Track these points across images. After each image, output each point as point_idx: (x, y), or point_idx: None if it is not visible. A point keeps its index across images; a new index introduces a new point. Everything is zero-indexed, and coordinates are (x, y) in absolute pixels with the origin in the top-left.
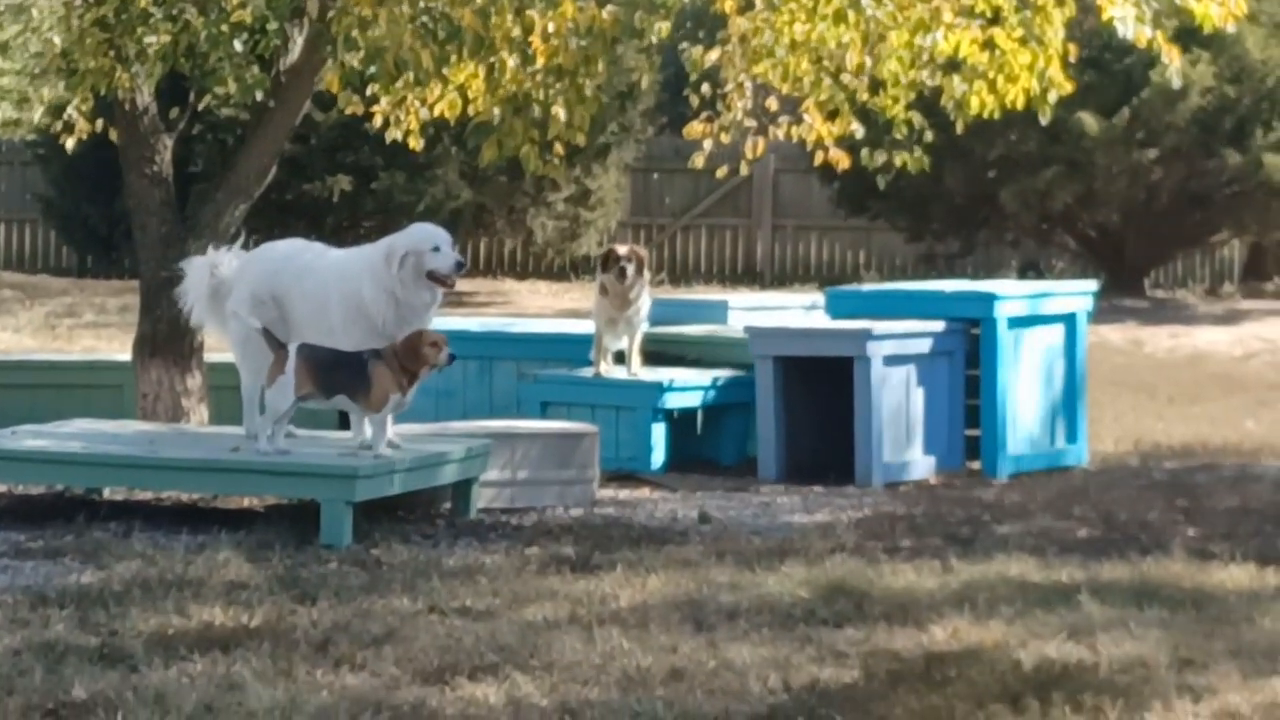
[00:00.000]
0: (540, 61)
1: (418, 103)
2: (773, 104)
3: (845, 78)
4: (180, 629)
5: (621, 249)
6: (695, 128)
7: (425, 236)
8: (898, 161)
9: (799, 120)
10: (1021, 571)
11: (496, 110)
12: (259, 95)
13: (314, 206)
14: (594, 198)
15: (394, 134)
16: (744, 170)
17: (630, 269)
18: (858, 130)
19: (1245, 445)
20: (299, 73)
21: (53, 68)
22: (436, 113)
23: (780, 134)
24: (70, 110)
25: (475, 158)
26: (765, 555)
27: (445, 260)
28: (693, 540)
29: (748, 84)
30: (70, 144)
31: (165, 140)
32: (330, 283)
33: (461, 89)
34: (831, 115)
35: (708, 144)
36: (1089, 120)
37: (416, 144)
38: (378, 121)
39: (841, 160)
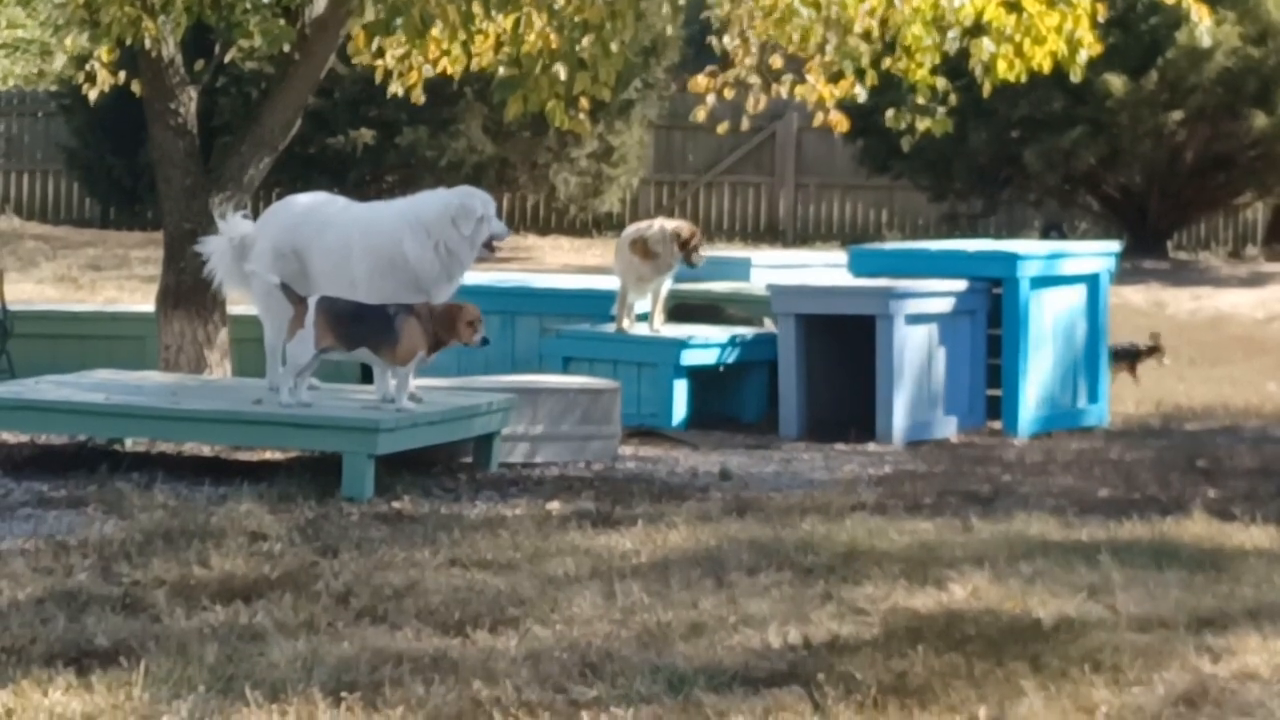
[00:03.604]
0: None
1: (420, 58)
2: (777, 61)
3: (854, 41)
4: (202, 579)
5: (685, 231)
6: (699, 81)
7: (490, 201)
8: (920, 126)
9: (802, 80)
10: (1042, 531)
11: (502, 67)
12: (284, 47)
13: (337, 160)
14: (617, 154)
15: (395, 88)
16: (744, 126)
17: (699, 253)
18: (860, 94)
19: (1267, 407)
20: (324, 26)
21: (75, 19)
22: (439, 69)
23: (783, 92)
24: (93, 61)
25: (499, 112)
26: (786, 512)
27: (501, 227)
28: (713, 496)
29: (754, 40)
30: (93, 95)
31: (190, 92)
32: (354, 237)
33: (465, 45)
34: (835, 78)
35: (710, 98)
36: (1114, 81)
37: (419, 99)
38: (380, 76)
39: (841, 123)
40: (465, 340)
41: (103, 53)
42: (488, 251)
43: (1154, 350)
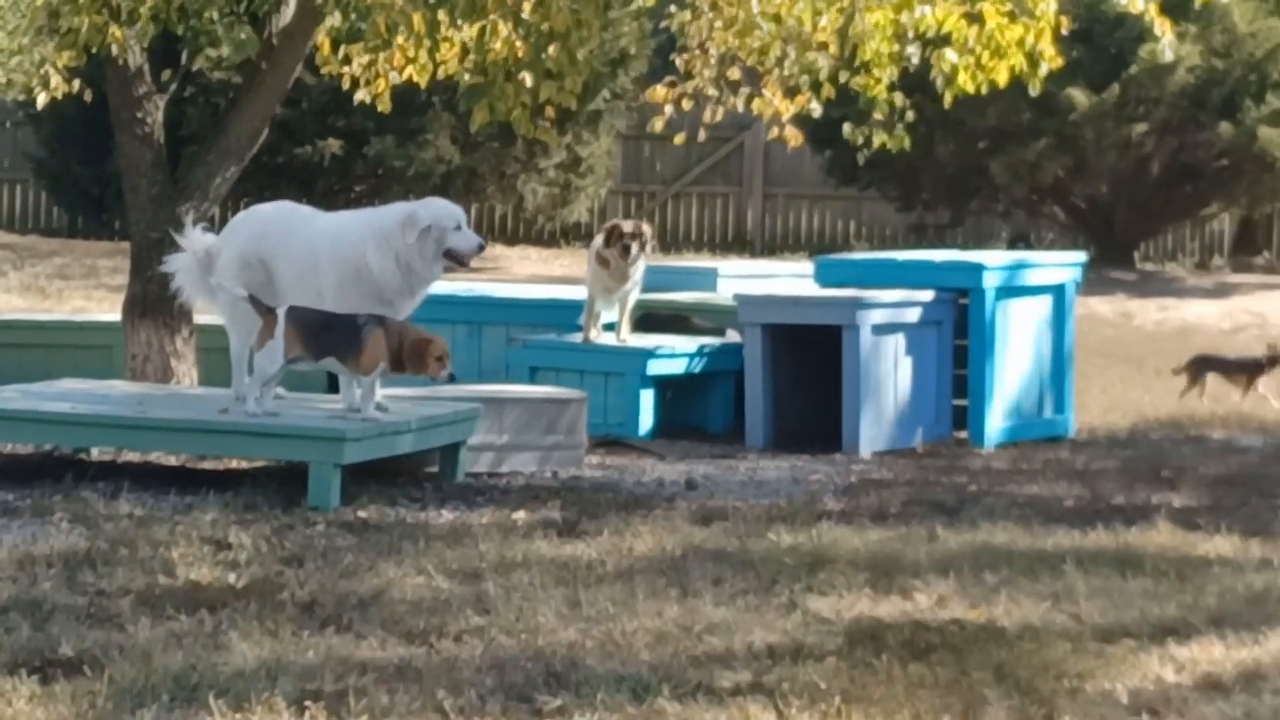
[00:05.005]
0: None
1: (387, 65)
2: (734, 73)
3: (812, 55)
4: (167, 588)
5: (627, 225)
6: (657, 92)
7: (449, 212)
8: (876, 142)
9: (759, 93)
10: (1007, 540)
11: (468, 75)
12: (251, 56)
13: (305, 170)
14: (585, 164)
15: (362, 96)
16: (701, 137)
17: (635, 247)
18: (816, 109)
19: (1232, 418)
20: (291, 35)
21: (43, 26)
22: (406, 76)
23: (740, 105)
24: (46, 67)
25: (466, 122)
26: (751, 522)
27: (468, 240)
28: (679, 506)
29: (713, 52)
30: (42, 100)
31: (157, 101)
32: (321, 246)
33: (431, 52)
34: (791, 92)
35: (669, 109)
36: (1077, 95)
37: (385, 107)
38: (346, 84)
39: (795, 138)
40: (432, 374)
41: (58, 59)
42: (456, 264)
43: (1276, 361)
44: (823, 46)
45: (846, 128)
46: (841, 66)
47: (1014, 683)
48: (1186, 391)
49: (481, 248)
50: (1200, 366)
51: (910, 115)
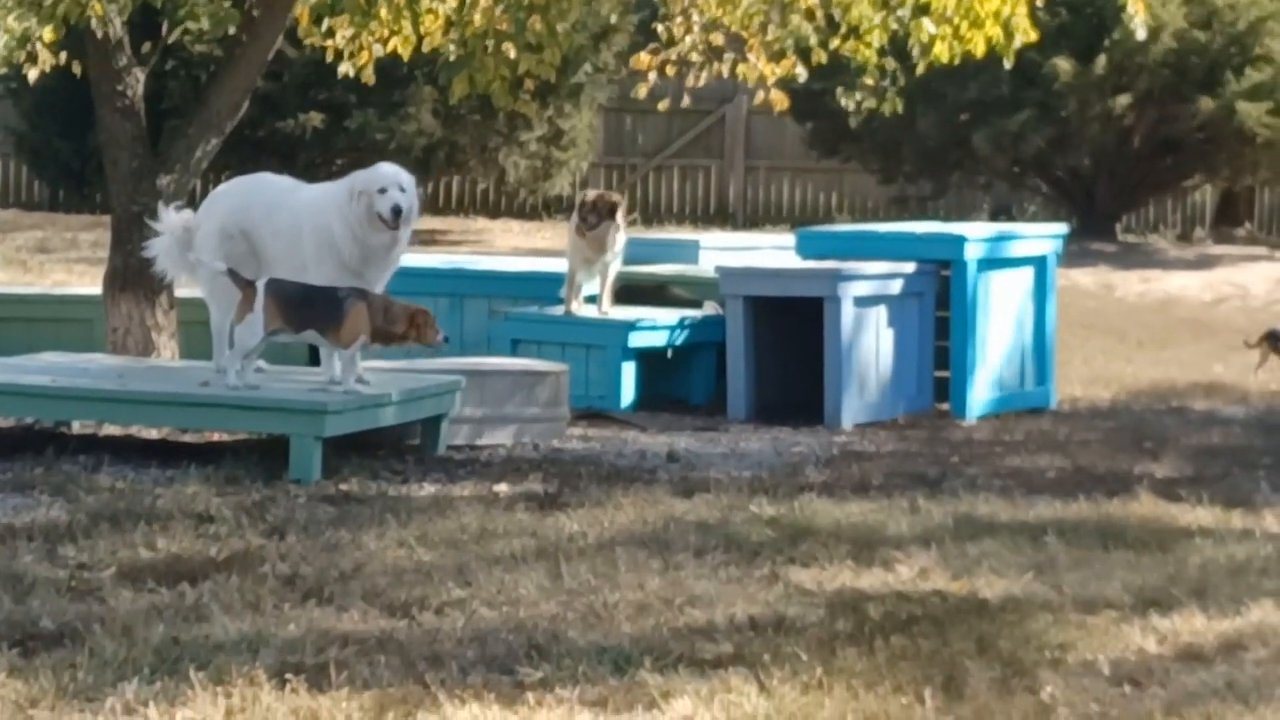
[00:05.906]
0: None
1: (371, 38)
2: (718, 38)
3: (797, 19)
4: (148, 561)
5: (590, 195)
6: (642, 59)
7: (375, 178)
8: (865, 106)
9: (744, 58)
10: (989, 512)
11: (452, 46)
12: (231, 29)
13: (286, 143)
14: (566, 138)
15: (346, 68)
16: (685, 102)
17: (602, 222)
18: (801, 74)
19: (1213, 389)
20: (271, 7)
21: (24, 1)
22: (389, 49)
23: (725, 71)
24: (34, 41)
25: (448, 95)
26: (733, 494)
27: (385, 204)
28: (661, 478)
29: (696, 18)
30: (33, 75)
31: (137, 74)
32: (304, 218)
33: (415, 24)
34: (777, 57)
35: (652, 76)
36: (1062, 64)
37: (370, 78)
38: (330, 56)
39: (780, 102)
40: (429, 341)
41: (45, 33)
42: (387, 226)
43: None
44: (809, 15)
45: (839, 91)
46: (830, 33)
47: (995, 654)
48: (1261, 365)
49: (396, 211)
50: (1275, 340)
51: (901, 79)
